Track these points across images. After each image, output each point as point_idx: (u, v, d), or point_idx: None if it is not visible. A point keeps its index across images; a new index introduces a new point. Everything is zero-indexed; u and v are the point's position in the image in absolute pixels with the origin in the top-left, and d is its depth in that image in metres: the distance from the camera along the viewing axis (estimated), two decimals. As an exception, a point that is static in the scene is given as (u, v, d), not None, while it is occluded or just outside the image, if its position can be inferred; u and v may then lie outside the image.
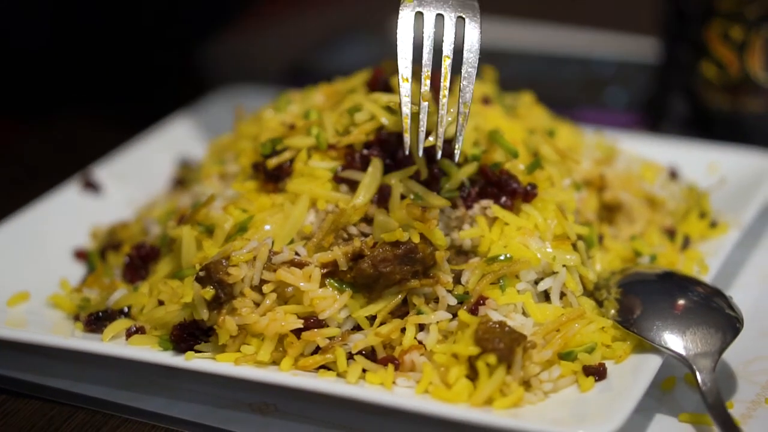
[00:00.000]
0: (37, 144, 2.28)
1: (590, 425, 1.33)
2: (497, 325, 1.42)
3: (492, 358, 1.40)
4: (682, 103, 2.09)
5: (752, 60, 1.98)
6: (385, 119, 1.60)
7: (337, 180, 1.59)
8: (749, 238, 1.80)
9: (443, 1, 1.53)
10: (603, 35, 2.58)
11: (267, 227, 1.55)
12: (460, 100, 1.48)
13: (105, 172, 1.93)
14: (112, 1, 2.35)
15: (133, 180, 1.94)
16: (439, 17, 1.53)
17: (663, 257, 1.65)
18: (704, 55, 2.01)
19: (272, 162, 1.60)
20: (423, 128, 1.48)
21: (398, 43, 1.49)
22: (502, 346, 1.41)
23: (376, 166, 1.57)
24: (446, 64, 1.50)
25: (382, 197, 1.55)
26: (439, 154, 1.49)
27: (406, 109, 1.48)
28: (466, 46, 1.50)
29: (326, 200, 1.57)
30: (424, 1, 1.53)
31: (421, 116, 1.49)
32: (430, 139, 1.51)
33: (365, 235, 1.53)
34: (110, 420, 1.49)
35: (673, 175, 1.88)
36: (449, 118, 1.52)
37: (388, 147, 1.59)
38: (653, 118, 2.18)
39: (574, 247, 1.55)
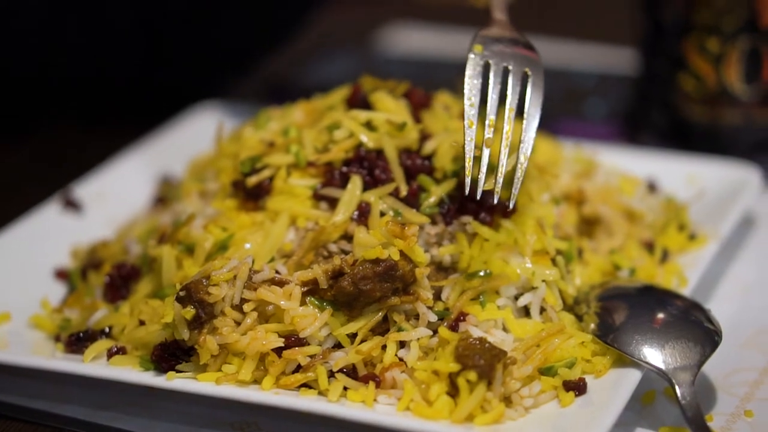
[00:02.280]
0: (16, 162, 2.28)
1: (571, 440, 1.34)
2: (477, 342, 1.43)
3: (472, 375, 1.41)
4: (661, 116, 2.10)
5: (729, 72, 1.99)
6: (364, 136, 1.60)
7: (317, 197, 1.59)
8: (728, 249, 1.81)
9: (510, 55, 1.58)
10: (583, 47, 2.60)
11: (247, 246, 1.55)
12: (521, 151, 1.52)
13: (85, 190, 1.93)
14: (94, 22, 2.34)
15: (114, 198, 1.93)
16: (506, 70, 1.57)
17: (642, 270, 1.66)
18: (682, 67, 2.02)
19: (252, 180, 1.60)
20: (483, 173, 1.51)
21: (465, 88, 1.54)
22: (483, 363, 1.41)
23: (355, 183, 1.58)
24: (510, 116, 1.54)
25: (362, 214, 1.56)
26: (496, 198, 1.51)
27: (470, 153, 1.51)
28: (528, 101, 1.54)
29: (306, 218, 1.57)
30: (493, 52, 1.57)
31: (482, 161, 1.52)
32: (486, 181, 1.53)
33: (345, 252, 1.54)
34: (92, 441, 1.49)
35: (652, 187, 1.89)
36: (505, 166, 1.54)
37: (367, 164, 1.59)
38: (632, 130, 2.19)
39: (554, 261, 1.56)
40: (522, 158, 1.52)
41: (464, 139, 1.51)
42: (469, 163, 1.50)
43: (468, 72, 1.55)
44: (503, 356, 1.43)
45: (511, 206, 1.51)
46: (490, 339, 1.46)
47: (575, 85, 2.40)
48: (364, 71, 1.78)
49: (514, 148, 1.53)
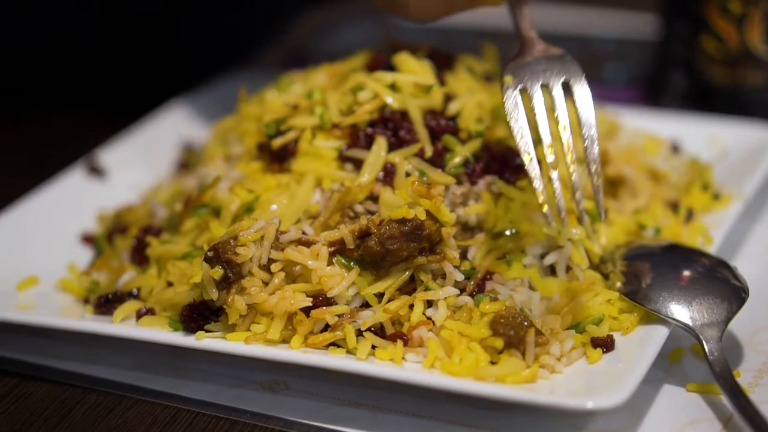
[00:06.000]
0: (42, 131, 2.28)
1: (599, 396, 1.34)
2: (519, 317, 1.43)
3: (499, 342, 1.41)
4: (683, 78, 2.09)
5: (751, 33, 1.98)
6: (389, 97, 1.60)
7: (342, 159, 1.59)
8: (751, 210, 1.81)
9: (542, 72, 1.53)
10: (602, 12, 2.59)
11: (273, 207, 1.56)
12: (590, 159, 1.47)
13: (110, 156, 1.93)
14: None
15: (138, 164, 1.95)
16: (543, 87, 1.52)
17: (667, 230, 1.66)
18: (704, 28, 2.02)
19: (277, 142, 1.61)
20: (561, 201, 1.47)
21: (511, 124, 1.47)
22: (512, 333, 1.42)
23: (380, 144, 1.58)
24: (566, 134, 1.49)
25: (387, 175, 1.56)
26: (585, 218, 1.48)
27: (540, 187, 1.45)
28: (581, 110, 1.50)
29: (332, 179, 1.58)
30: (525, 77, 1.52)
31: (555, 188, 1.47)
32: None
33: (371, 213, 1.54)
34: (122, 401, 1.50)
35: (675, 148, 1.88)
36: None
37: (392, 125, 1.60)
38: (654, 94, 2.18)
39: (579, 221, 1.56)
40: (593, 168, 1.46)
41: (531, 176, 1.45)
42: (542, 197, 1.45)
43: (507, 107, 1.49)
44: (534, 331, 1.42)
45: (602, 217, 1.48)
46: (516, 297, 1.47)
47: (594, 50, 2.40)
48: (383, 37, 1.78)
49: (582, 161, 1.50)
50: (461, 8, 1.67)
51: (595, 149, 1.47)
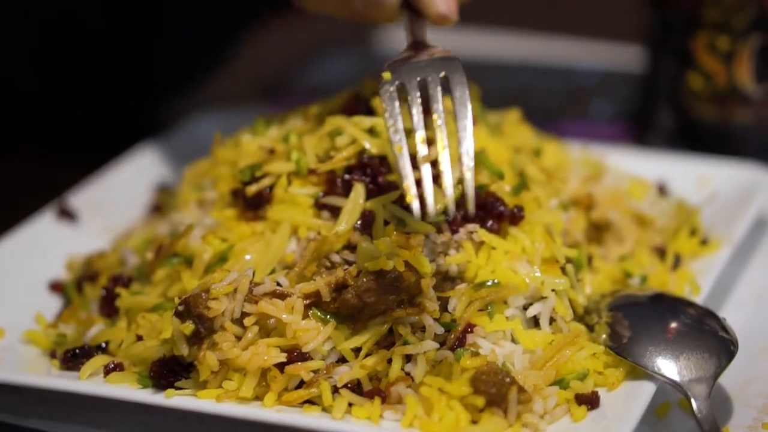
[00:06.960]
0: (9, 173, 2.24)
1: (584, 457, 1.30)
2: (496, 371, 1.38)
3: (480, 401, 1.36)
4: (669, 115, 2.06)
5: (739, 70, 1.95)
6: (367, 143, 1.56)
7: (319, 206, 1.55)
8: (741, 253, 1.77)
9: (422, 67, 1.50)
10: (586, 44, 2.55)
11: (247, 257, 1.51)
12: (464, 151, 1.44)
13: (80, 199, 1.88)
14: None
15: (110, 207, 1.89)
16: (422, 82, 1.49)
17: (654, 278, 1.61)
18: (691, 65, 1.99)
19: (251, 189, 1.56)
20: (431, 194, 1.44)
21: (385, 117, 1.45)
22: (494, 391, 1.37)
23: (358, 191, 1.53)
24: (439, 123, 1.47)
25: (366, 223, 1.51)
26: (452, 213, 1.46)
27: (408, 179, 1.43)
28: (456, 102, 1.46)
29: (308, 228, 1.53)
30: (404, 72, 1.49)
31: (425, 180, 1.44)
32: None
33: (349, 263, 1.49)
34: (90, 461, 1.45)
35: (662, 190, 1.84)
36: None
37: (370, 171, 1.55)
38: (639, 130, 2.15)
39: (563, 270, 1.52)
40: (466, 159, 1.44)
41: (399, 168, 1.43)
42: (411, 191, 1.42)
43: (384, 102, 1.46)
44: (517, 390, 1.38)
45: (471, 210, 1.45)
46: (497, 350, 1.42)
47: (578, 84, 2.36)
48: (364, 70, 1.73)
49: (456, 154, 1.46)
50: (358, 13, 1.61)
51: (470, 143, 1.44)
